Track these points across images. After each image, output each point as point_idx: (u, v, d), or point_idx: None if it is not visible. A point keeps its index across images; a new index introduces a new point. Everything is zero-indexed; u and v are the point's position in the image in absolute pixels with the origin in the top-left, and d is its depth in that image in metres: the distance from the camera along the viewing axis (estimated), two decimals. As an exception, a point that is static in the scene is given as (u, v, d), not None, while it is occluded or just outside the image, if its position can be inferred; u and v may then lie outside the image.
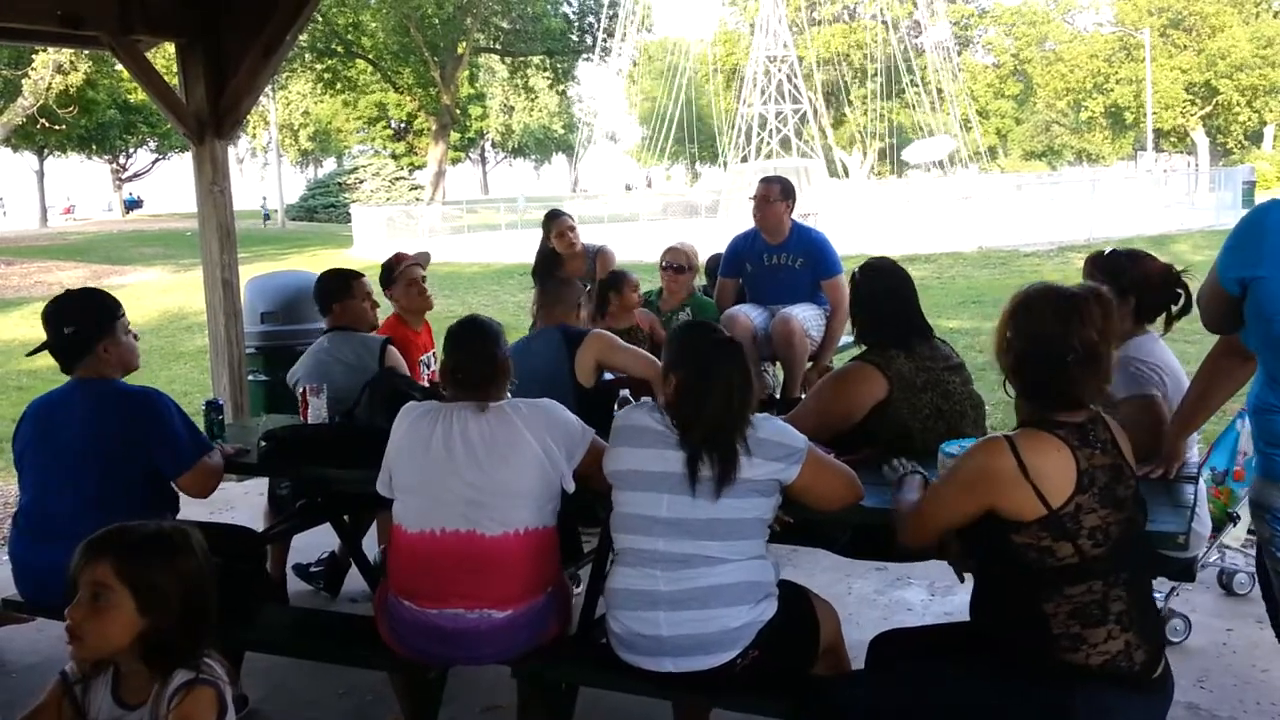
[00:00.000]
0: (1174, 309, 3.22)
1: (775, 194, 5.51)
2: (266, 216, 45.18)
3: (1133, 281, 3.24)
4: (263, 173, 60.79)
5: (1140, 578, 2.33)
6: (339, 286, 4.44)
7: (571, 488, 2.85)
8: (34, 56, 30.21)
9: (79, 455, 3.22)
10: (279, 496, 4.80)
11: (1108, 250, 3.39)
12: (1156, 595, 3.87)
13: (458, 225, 35.86)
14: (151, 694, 2.03)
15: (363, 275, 4.57)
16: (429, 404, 2.93)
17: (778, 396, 5.39)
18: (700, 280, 6.18)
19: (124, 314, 3.43)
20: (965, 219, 26.21)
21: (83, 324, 3.32)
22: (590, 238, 6.20)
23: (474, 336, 2.98)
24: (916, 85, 46.78)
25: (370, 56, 45.56)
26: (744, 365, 2.63)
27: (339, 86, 48.32)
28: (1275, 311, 2.37)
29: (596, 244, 6.22)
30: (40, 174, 50.38)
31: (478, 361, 2.91)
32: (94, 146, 47.73)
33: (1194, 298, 3.18)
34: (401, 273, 4.80)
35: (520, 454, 2.78)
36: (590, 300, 5.51)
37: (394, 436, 2.92)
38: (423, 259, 4.96)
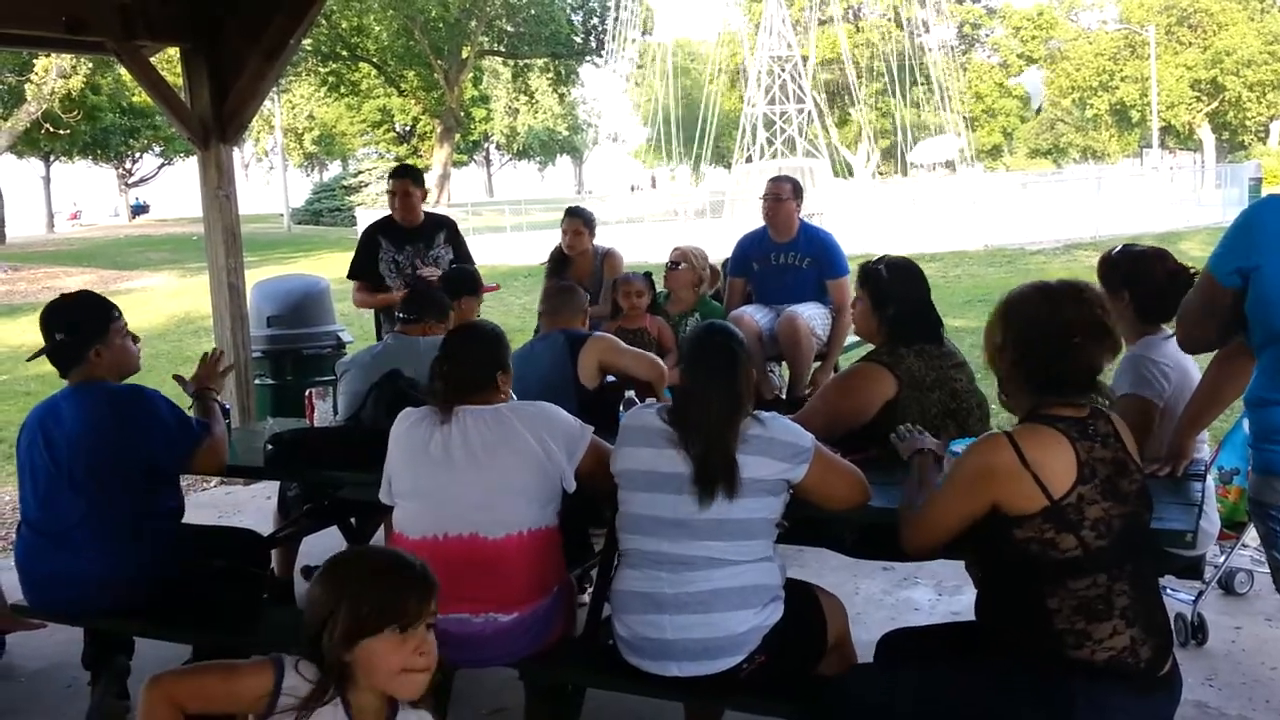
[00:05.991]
0: None
1: (786, 192, 5.54)
2: None
3: (1129, 278, 3.22)
4: (268, 177, 60.88)
5: (1145, 573, 2.32)
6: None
7: (572, 487, 2.84)
8: (35, 61, 30.16)
9: (77, 461, 3.21)
10: (288, 499, 4.80)
11: (1116, 249, 3.36)
12: (1185, 598, 3.86)
13: (463, 228, 35.66)
14: None
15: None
16: (424, 410, 2.91)
17: (784, 396, 5.39)
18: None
19: (119, 318, 3.37)
20: (971, 217, 26.16)
21: (72, 330, 3.29)
22: (598, 240, 6.18)
23: (468, 342, 2.99)
24: (919, 84, 46.72)
25: (374, 60, 45.56)
26: (732, 377, 2.62)
27: (343, 90, 48.34)
28: (1275, 300, 2.36)
29: (605, 246, 6.20)
30: (46, 180, 50.52)
31: (471, 366, 2.91)
32: (99, 152, 47.78)
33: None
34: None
35: (520, 454, 2.78)
36: (600, 303, 5.53)
37: (391, 444, 2.91)
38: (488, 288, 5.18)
